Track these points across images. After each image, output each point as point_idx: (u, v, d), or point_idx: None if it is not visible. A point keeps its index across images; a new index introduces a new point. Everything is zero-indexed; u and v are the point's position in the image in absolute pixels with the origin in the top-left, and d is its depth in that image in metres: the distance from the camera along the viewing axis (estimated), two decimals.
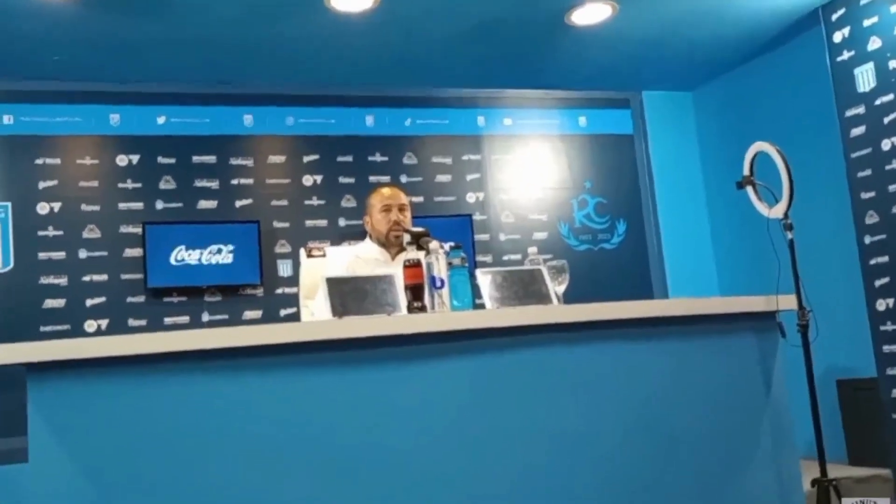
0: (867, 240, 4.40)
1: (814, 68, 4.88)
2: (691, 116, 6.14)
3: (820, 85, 4.80)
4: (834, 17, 4.59)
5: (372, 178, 5.42)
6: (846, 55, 4.52)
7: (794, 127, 5.07)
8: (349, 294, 2.18)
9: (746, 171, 2.89)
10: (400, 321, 2.07)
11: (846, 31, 4.52)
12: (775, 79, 5.36)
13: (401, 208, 3.15)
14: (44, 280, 4.81)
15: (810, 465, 2.70)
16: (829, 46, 4.62)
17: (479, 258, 5.49)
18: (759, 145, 2.88)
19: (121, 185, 5.04)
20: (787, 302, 2.52)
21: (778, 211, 2.76)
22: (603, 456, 2.18)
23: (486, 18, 4.58)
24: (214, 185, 5.20)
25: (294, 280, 5.04)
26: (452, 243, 2.39)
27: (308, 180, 5.38)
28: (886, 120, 4.29)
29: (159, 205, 5.09)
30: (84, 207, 4.95)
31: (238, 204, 5.23)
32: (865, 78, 4.43)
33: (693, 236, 5.95)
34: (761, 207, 2.82)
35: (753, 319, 2.46)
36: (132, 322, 4.91)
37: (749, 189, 2.85)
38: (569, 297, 2.46)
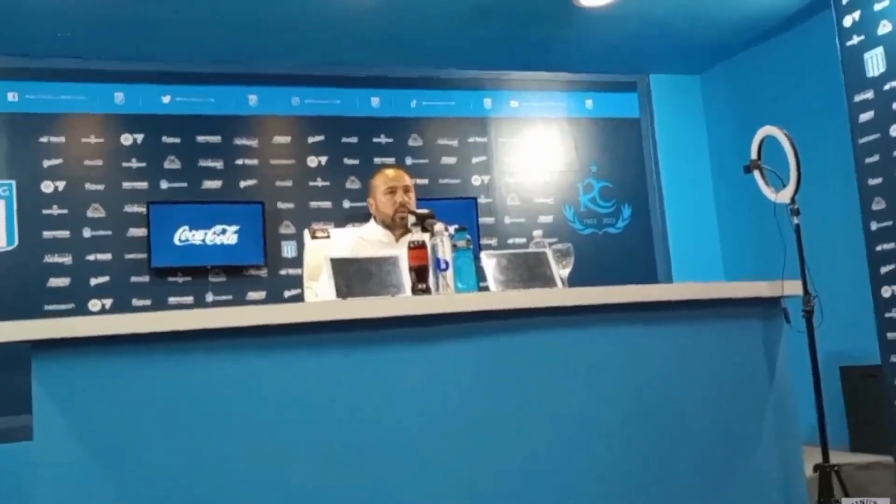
0: (874, 226, 4.37)
1: (823, 52, 4.84)
2: (699, 100, 6.11)
3: (829, 69, 4.76)
4: (844, 0, 4.54)
5: (377, 160, 5.40)
6: (856, 39, 4.47)
7: (803, 111, 5.04)
8: (353, 275, 2.17)
9: (754, 156, 2.87)
10: (404, 303, 2.07)
11: (856, 15, 4.47)
12: (784, 63, 5.32)
13: (405, 190, 3.13)
14: (48, 259, 4.82)
15: (813, 450, 2.71)
16: (839, 30, 4.58)
17: (484, 241, 5.48)
18: (767, 129, 2.86)
19: (125, 165, 5.04)
20: (793, 287, 2.51)
21: (785, 196, 2.75)
22: (606, 439, 2.18)
23: None
24: (219, 165, 5.19)
25: (298, 261, 5.05)
26: (457, 225, 2.38)
27: (313, 161, 5.37)
28: (895, 105, 4.26)
29: (164, 184, 5.09)
30: (88, 186, 4.95)
31: (242, 184, 5.22)
32: (875, 63, 4.38)
33: (699, 221, 5.93)
34: (768, 192, 2.81)
35: (758, 305, 2.45)
36: (136, 302, 4.92)
37: (756, 173, 2.83)
38: (573, 281, 2.46)
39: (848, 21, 4.52)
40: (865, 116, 4.42)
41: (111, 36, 4.73)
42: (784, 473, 2.39)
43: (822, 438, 2.70)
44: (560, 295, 2.23)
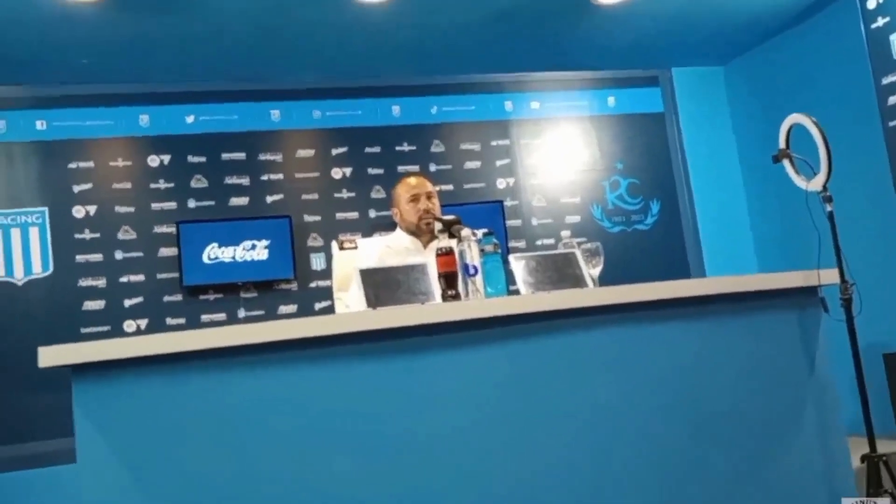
0: None
1: (848, 36, 4.76)
2: (723, 91, 6.04)
3: (855, 53, 4.68)
4: None
5: (400, 168, 5.41)
6: (881, 21, 4.40)
7: (830, 97, 4.96)
8: (383, 284, 2.17)
9: (782, 145, 2.83)
10: (434, 310, 2.06)
11: None
12: (809, 49, 5.24)
13: (428, 196, 3.13)
14: (82, 283, 4.89)
15: (859, 441, 2.65)
16: (863, 13, 4.50)
17: (512, 244, 5.46)
18: (795, 117, 2.82)
19: (153, 186, 5.10)
20: (829, 276, 2.46)
21: (816, 183, 2.71)
22: (644, 438, 2.16)
23: (509, 2, 4.54)
24: (245, 181, 5.24)
25: (327, 273, 5.07)
26: (484, 230, 2.38)
27: (337, 173, 5.39)
28: None
29: (192, 203, 5.14)
30: (118, 209, 5.02)
31: (269, 199, 5.26)
32: None
33: (729, 213, 5.86)
34: (799, 181, 2.77)
35: (795, 295, 2.41)
36: (170, 321, 4.97)
37: (786, 162, 2.79)
38: (604, 280, 2.43)
39: (872, 3, 4.45)
40: (894, 99, 4.34)
41: (133, 59, 4.79)
42: (830, 465, 2.35)
43: (868, 428, 2.64)
44: (591, 295, 2.21)
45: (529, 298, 2.18)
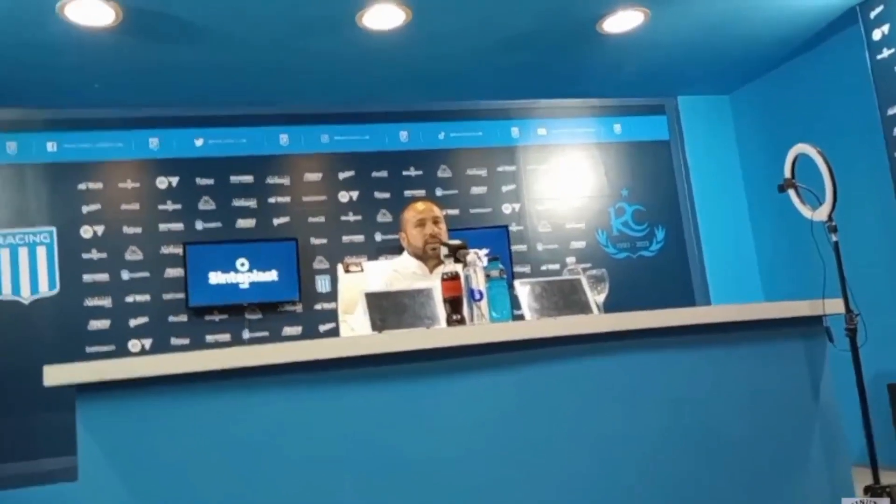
0: None
1: (853, 67, 4.80)
2: (729, 120, 6.07)
3: (860, 83, 4.71)
4: (872, 14, 4.50)
5: (407, 193, 5.44)
6: (886, 53, 4.43)
7: (836, 127, 4.98)
8: (388, 308, 2.18)
9: (788, 174, 2.84)
10: (440, 334, 2.07)
11: (885, 28, 4.43)
12: (814, 79, 5.28)
13: (435, 221, 3.15)
14: (89, 302, 4.91)
15: (862, 471, 2.64)
16: (869, 44, 4.54)
17: (517, 269, 5.47)
18: (800, 147, 2.83)
19: (161, 207, 5.13)
20: (834, 306, 2.46)
21: (822, 213, 2.71)
22: (648, 466, 2.15)
23: (517, 30, 4.58)
24: (252, 204, 5.27)
25: (332, 295, 5.08)
26: (487, 251, 2.39)
27: (344, 196, 5.42)
28: None
29: (199, 225, 5.17)
30: (126, 230, 5.05)
31: (276, 222, 5.28)
32: None
33: (735, 241, 5.86)
34: (804, 210, 2.77)
35: (800, 325, 2.41)
36: (174, 341, 4.98)
37: (791, 192, 2.80)
38: (609, 306, 2.44)
39: (877, 34, 4.48)
40: None
41: (144, 83, 4.84)
42: (834, 496, 2.33)
43: (872, 459, 2.63)
44: (596, 321, 2.21)
45: (534, 324, 2.18)
